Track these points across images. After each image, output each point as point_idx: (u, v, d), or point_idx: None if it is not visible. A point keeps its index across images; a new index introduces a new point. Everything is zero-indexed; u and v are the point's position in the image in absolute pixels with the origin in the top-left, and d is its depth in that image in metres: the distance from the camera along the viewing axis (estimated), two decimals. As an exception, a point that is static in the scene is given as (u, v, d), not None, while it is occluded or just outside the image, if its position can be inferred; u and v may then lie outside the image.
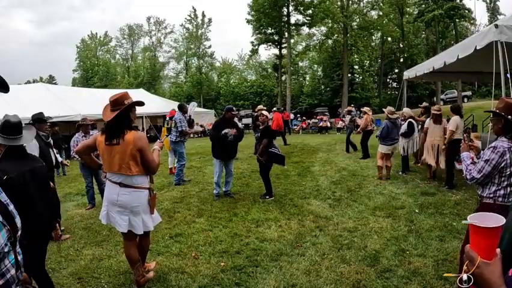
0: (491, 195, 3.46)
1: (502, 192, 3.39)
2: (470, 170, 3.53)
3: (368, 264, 4.61)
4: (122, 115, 3.76)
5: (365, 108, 14.63)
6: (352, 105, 29.08)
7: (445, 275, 1.59)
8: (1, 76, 1.42)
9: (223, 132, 7.90)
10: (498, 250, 1.26)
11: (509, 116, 3.26)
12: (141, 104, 3.99)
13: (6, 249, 1.41)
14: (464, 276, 1.24)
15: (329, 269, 4.51)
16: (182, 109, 10.38)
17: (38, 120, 6.43)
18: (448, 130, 8.42)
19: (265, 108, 15.12)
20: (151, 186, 4.15)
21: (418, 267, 4.44)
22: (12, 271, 1.47)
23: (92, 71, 63.95)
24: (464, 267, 1.27)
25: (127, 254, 4.16)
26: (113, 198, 3.92)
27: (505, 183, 3.37)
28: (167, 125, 11.69)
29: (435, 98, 39.91)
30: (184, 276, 4.43)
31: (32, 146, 6.14)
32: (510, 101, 3.34)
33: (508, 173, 3.33)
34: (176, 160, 10.28)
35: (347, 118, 15.64)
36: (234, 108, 8.64)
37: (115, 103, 3.79)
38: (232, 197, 8.22)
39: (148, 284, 4.22)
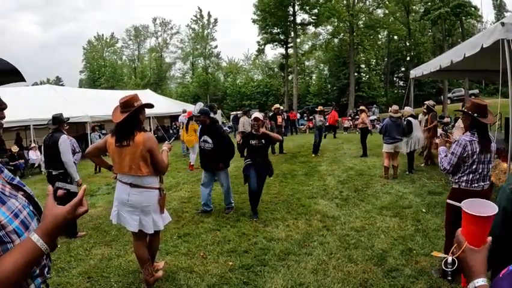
0: (456, 181, 4.02)
1: (464, 178, 3.92)
2: (443, 162, 4.04)
3: (375, 263, 4.63)
4: (131, 117, 3.81)
5: (362, 107, 14.80)
6: (374, 105, 29.06)
7: (434, 253, 1.78)
8: (9, 63, 1.42)
9: (202, 139, 7.10)
10: (489, 239, 1.30)
11: (475, 114, 3.78)
12: (150, 106, 4.03)
13: None
14: (449, 259, 1.30)
15: (336, 268, 4.54)
16: (212, 109, 10.71)
17: (60, 120, 6.42)
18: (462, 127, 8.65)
19: (281, 107, 15.09)
20: (161, 186, 4.19)
21: (425, 266, 4.47)
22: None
23: (99, 72, 64.16)
24: (453, 249, 1.32)
25: (136, 253, 4.22)
26: (124, 198, 3.98)
27: (467, 170, 3.88)
28: (177, 126, 11.99)
29: (442, 96, 39.70)
30: (192, 276, 4.48)
31: (66, 143, 6.20)
32: (476, 102, 3.90)
33: (469, 162, 3.84)
34: None
35: (318, 119, 15.34)
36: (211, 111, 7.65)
37: (125, 105, 3.83)
38: (230, 211, 7.17)
39: (157, 283, 4.27)
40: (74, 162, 6.79)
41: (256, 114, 7.06)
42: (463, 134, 4.07)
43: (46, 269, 1.53)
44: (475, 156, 3.81)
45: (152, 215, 4.04)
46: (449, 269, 1.30)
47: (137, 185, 3.94)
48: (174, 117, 27.21)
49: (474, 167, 3.85)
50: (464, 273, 1.27)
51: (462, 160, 3.88)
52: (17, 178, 1.53)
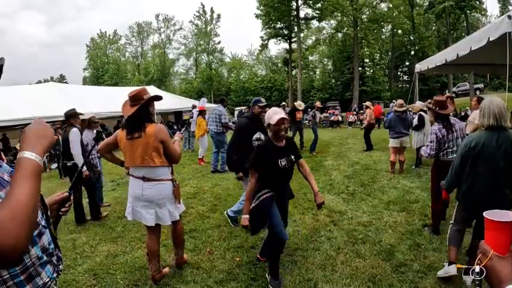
0: (436, 157, 5.29)
1: (441, 153, 5.23)
2: (427, 150, 5.23)
3: (383, 258, 4.59)
4: (142, 109, 3.85)
5: (367, 103, 14.92)
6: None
7: (457, 265, 2.00)
8: None
9: (254, 137, 5.34)
10: None
11: (436, 108, 5.27)
12: (159, 98, 4.09)
13: (43, 223, 1.46)
14: (477, 268, 1.27)
15: (344, 263, 4.50)
16: (223, 102, 11.51)
17: (74, 114, 6.89)
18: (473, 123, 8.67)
19: (302, 105, 15.02)
20: (173, 178, 4.19)
21: (433, 261, 4.42)
22: (51, 247, 1.52)
23: (102, 69, 64.39)
24: (477, 260, 1.31)
25: (149, 247, 4.20)
26: (138, 193, 3.98)
27: (442, 148, 5.20)
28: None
29: (447, 90, 39.56)
30: (199, 272, 4.45)
31: (75, 136, 6.63)
32: (437, 99, 5.37)
33: (442, 142, 5.17)
34: (219, 150, 10.99)
35: (318, 116, 15.34)
36: (263, 100, 5.81)
37: (134, 98, 3.87)
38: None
39: (163, 279, 4.24)
40: (95, 157, 7.29)
41: (276, 111, 4.06)
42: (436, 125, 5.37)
43: (55, 258, 1.53)
44: (445, 138, 5.15)
45: (168, 206, 4.06)
46: (477, 278, 1.29)
47: (150, 178, 3.95)
48: (178, 113, 27.19)
49: (446, 145, 5.18)
50: (492, 281, 1.27)
51: (440, 143, 5.16)
52: None
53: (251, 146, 5.16)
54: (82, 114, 7.32)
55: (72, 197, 1.89)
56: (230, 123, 11.17)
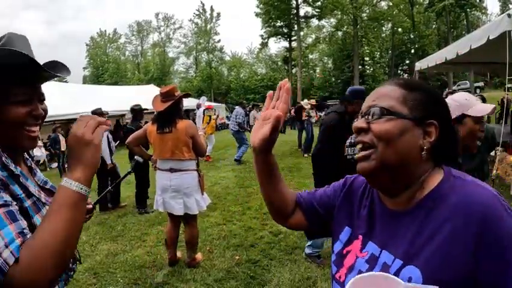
0: None
1: None
2: None
3: (383, 256, 4.58)
4: (174, 106, 4.10)
5: None
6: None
7: None
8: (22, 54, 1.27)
9: (348, 142, 3.77)
10: None
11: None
12: (188, 95, 4.52)
13: None
14: None
15: (343, 261, 4.49)
16: (241, 105, 13.73)
17: (100, 113, 7.30)
18: None
19: (308, 103, 15.01)
20: (198, 169, 4.45)
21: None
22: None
23: (102, 68, 64.33)
24: None
25: (169, 234, 4.55)
26: (166, 184, 4.26)
27: None
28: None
29: (447, 89, 39.54)
30: (199, 270, 4.46)
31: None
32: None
33: None
34: (241, 145, 12.41)
35: (313, 114, 14.99)
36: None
37: (166, 95, 4.14)
38: None
39: (163, 278, 4.28)
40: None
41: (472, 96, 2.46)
42: None
43: (72, 273, 1.51)
44: None
45: (195, 195, 4.34)
46: None
47: (177, 169, 4.23)
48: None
49: None
50: None
51: None
52: (50, 182, 1.45)
53: (342, 153, 3.84)
54: (107, 113, 8.01)
55: (94, 210, 1.89)
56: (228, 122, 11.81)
